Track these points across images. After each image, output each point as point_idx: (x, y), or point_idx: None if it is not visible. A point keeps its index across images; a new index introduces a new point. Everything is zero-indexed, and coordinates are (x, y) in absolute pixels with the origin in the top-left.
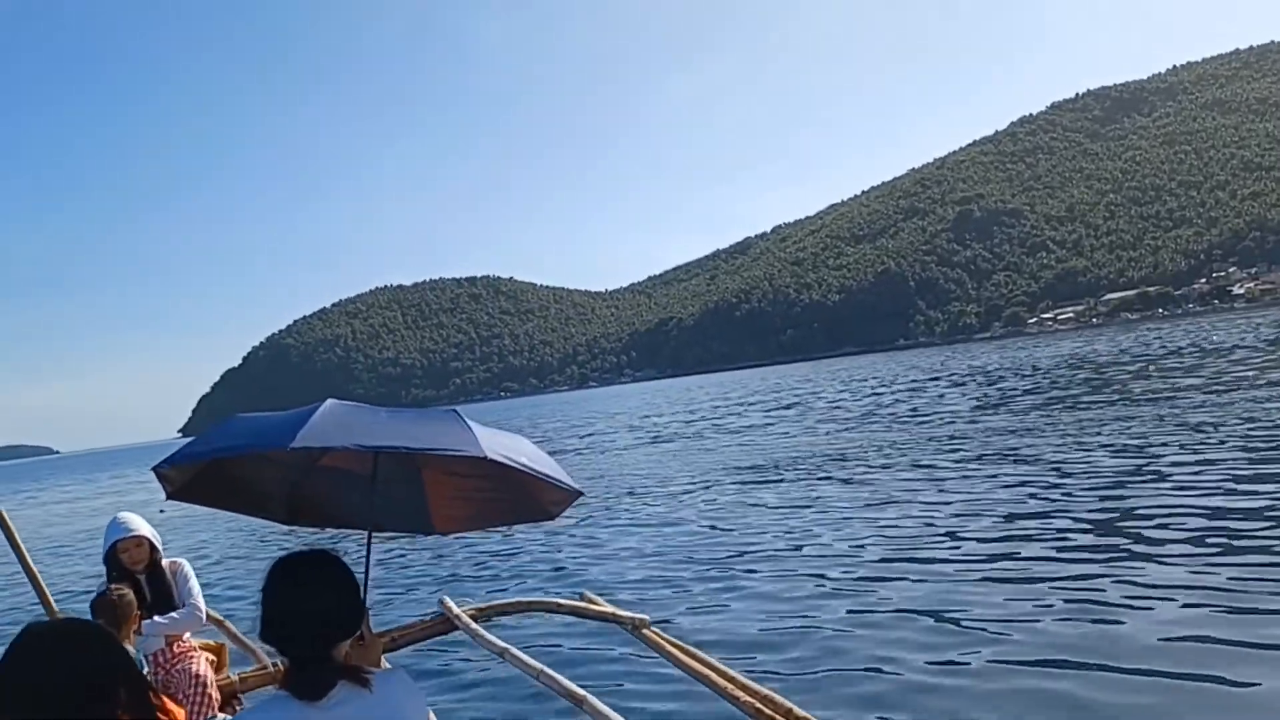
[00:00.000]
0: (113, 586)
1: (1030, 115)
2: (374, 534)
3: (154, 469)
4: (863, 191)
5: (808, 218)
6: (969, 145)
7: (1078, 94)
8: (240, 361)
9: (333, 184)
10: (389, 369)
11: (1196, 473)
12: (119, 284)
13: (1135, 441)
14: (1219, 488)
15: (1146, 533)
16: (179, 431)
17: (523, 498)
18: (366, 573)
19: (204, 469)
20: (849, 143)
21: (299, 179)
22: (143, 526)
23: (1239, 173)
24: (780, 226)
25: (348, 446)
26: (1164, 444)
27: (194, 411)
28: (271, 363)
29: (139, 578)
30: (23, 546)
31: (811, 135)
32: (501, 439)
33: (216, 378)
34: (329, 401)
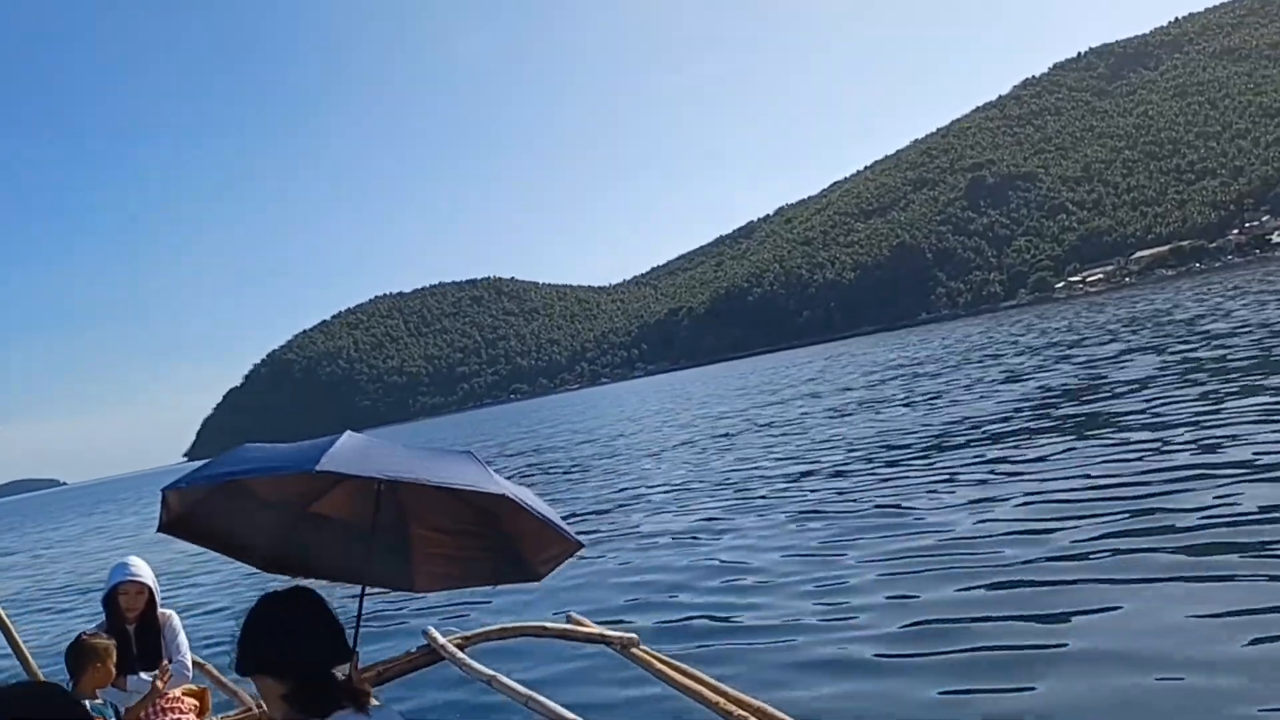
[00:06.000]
0: (87, 633)
1: (1033, 77)
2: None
3: (164, 490)
4: (865, 167)
5: (811, 197)
6: (972, 112)
7: (1080, 53)
8: (242, 381)
9: (325, 196)
10: (394, 378)
11: None
12: (120, 316)
13: None
14: None
15: None
16: (184, 456)
17: (513, 555)
18: (358, 625)
19: (204, 500)
20: (844, 120)
21: (290, 195)
22: (147, 574)
23: (1259, 120)
24: (784, 208)
25: (372, 475)
26: None
27: (198, 434)
28: (274, 380)
29: (128, 628)
30: None
31: (804, 116)
32: (512, 486)
33: (219, 399)
34: (347, 433)
